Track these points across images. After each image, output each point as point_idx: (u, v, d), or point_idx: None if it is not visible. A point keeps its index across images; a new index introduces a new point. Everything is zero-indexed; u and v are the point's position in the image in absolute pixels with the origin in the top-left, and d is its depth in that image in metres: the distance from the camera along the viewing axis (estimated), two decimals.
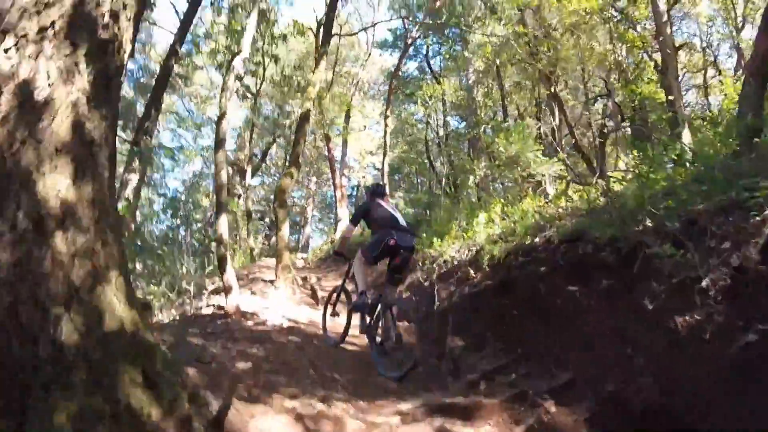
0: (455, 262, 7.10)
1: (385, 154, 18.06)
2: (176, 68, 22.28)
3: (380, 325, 5.09)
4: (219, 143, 7.98)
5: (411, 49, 24.25)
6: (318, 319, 7.32)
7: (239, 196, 18.87)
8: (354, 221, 5.81)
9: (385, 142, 18.17)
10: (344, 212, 19.70)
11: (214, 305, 8.07)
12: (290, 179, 10.80)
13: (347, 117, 21.17)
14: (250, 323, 7.27)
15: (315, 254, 18.67)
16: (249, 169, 18.93)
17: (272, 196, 31.80)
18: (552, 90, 14.14)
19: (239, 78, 14.30)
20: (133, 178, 11.45)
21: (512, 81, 20.29)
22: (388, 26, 36.02)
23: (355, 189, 37.91)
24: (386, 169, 17.95)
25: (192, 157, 22.29)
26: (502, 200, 8.80)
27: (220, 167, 7.86)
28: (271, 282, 10.50)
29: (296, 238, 32.29)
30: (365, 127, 36.62)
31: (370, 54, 23.16)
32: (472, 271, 6.24)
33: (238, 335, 6.19)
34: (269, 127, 22.68)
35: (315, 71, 11.98)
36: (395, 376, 4.57)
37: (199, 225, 24.75)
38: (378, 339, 5.12)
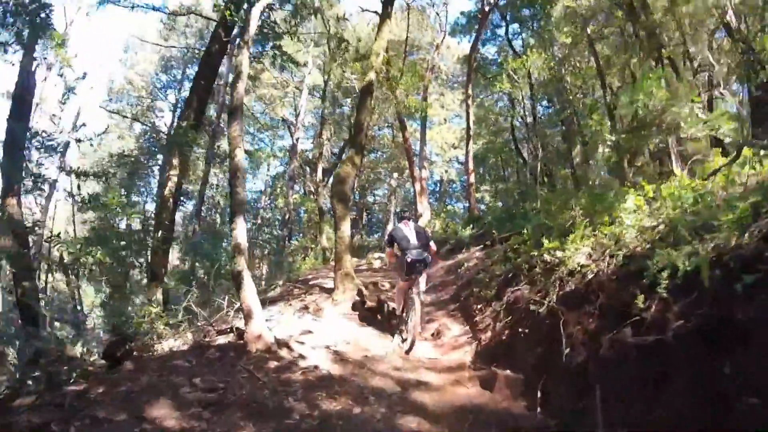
0: (589, 275, 4.14)
1: (468, 141, 15.13)
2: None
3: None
4: (233, 111, 5.61)
5: (488, 31, 21.32)
6: (383, 345, 6.02)
7: (312, 193, 16.79)
8: (389, 244, 6.34)
9: (468, 127, 15.25)
10: (425, 208, 16.94)
11: (234, 330, 5.71)
12: (350, 166, 8.31)
13: (424, 100, 18.36)
14: (274, 363, 4.81)
15: None
16: (320, 166, 16.78)
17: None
18: (661, 54, 10.63)
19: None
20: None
21: (603, 55, 16.60)
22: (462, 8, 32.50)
23: (439, 184, 35.03)
24: (470, 159, 14.98)
25: (265, 159, 20.70)
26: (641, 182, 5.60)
27: (234, 143, 5.48)
28: (330, 293, 8.06)
29: (379, 236, 30.03)
30: (445, 120, 33.69)
31: (444, 36, 20.18)
32: (639, 299, 3.29)
33: (236, 393, 3.74)
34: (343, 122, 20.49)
35: (377, 39, 9.38)
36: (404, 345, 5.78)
37: (272, 228, 23.38)
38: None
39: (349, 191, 8.60)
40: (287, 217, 19.05)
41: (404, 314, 6.10)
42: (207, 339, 6.20)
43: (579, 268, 4.39)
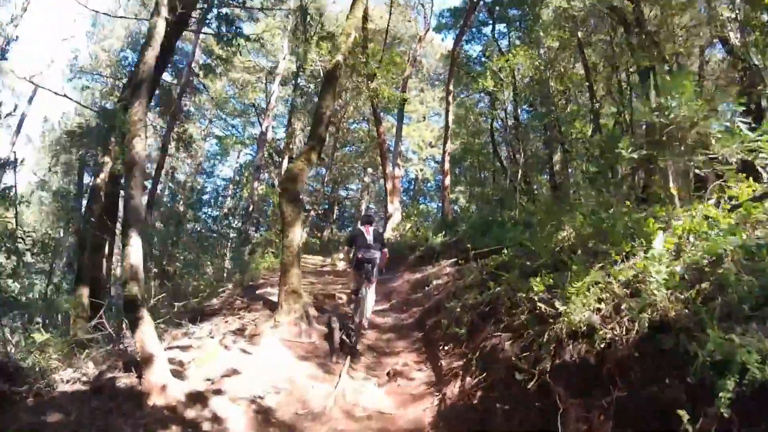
0: (599, 342, 2.95)
1: (446, 141, 13.89)
2: (218, 50, 19.25)
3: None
4: (137, 86, 4.20)
5: (474, 29, 20.15)
6: (325, 391, 4.80)
7: (273, 185, 15.29)
8: (347, 244, 7.00)
9: (446, 126, 14.01)
10: (396, 208, 15.66)
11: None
12: (305, 162, 6.94)
13: (403, 92, 17.03)
14: (174, 429, 3.49)
15: None
16: (287, 156, 15.27)
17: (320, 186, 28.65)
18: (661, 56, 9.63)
19: None
20: None
21: (590, 62, 15.72)
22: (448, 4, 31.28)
23: (413, 183, 33.82)
24: (447, 160, 13.74)
25: (232, 145, 19.09)
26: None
27: (133, 130, 4.07)
28: (275, 308, 6.72)
29: (350, 230, 28.70)
30: (425, 117, 32.46)
31: (428, 29, 18.92)
32: (683, 415, 2.10)
33: None
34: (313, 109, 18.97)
35: (349, 17, 8.03)
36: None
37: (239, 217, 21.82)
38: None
39: (301, 190, 7.23)
40: (250, 209, 17.52)
41: (356, 314, 6.18)
42: (109, 374, 4.81)
43: (581, 327, 3.19)
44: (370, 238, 6.35)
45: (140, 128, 4.12)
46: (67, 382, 4.70)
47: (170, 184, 20.39)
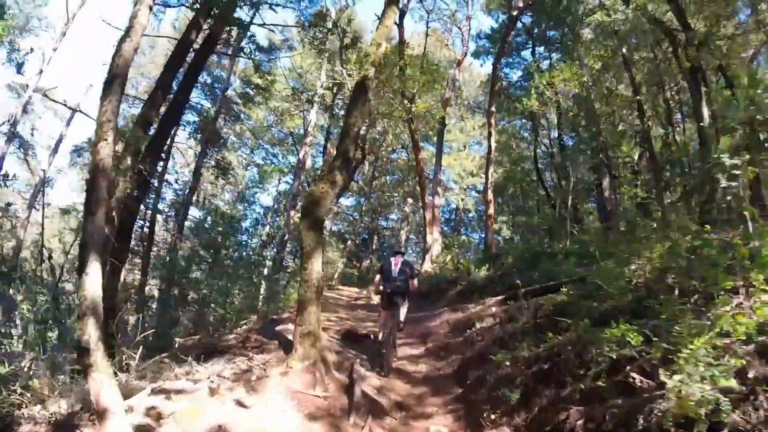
0: None
1: (488, 167, 12.74)
2: (255, 79, 19.16)
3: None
4: (108, 82, 3.46)
5: (512, 53, 19.19)
6: None
7: None
8: (378, 273, 6.57)
9: (489, 150, 12.90)
10: (435, 239, 14.51)
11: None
12: (328, 185, 6.05)
13: (442, 123, 16.14)
14: None
15: None
16: None
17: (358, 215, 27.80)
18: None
19: None
20: None
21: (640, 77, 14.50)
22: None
23: (454, 213, 32.55)
24: (490, 188, 12.57)
25: (269, 174, 18.70)
26: None
27: (100, 132, 3.29)
28: (287, 353, 5.73)
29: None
30: (465, 146, 31.44)
31: (466, 53, 18.15)
32: None
33: None
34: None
35: (379, 26, 7.26)
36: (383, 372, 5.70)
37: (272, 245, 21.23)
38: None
39: (325, 215, 6.33)
40: (285, 237, 16.87)
41: (382, 345, 6.02)
42: (76, 420, 3.96)
43: (703, 413, 2.03)
44: (396, 269, 6.24)
45: (108, 131, 3.35)
46: (29, 421, 3.93)
47: (202, 210, 20.15)
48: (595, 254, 5.28)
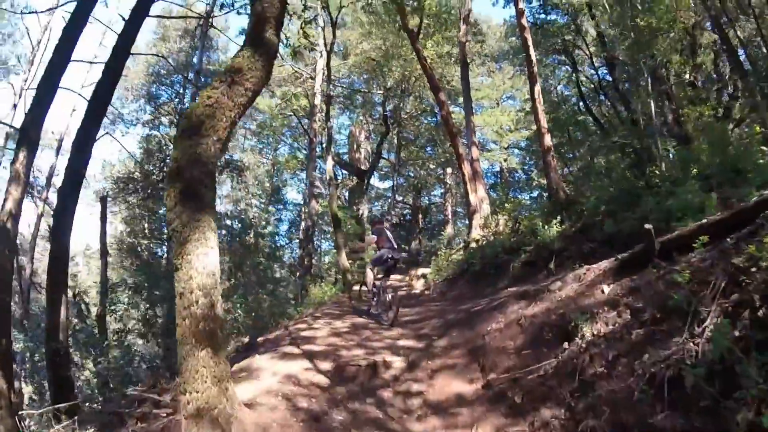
0: None
1: (533, 82, 8.63)
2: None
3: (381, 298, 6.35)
4: None
5: None
6: None
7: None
8: (376, 234, 6.54)
9: (528, 59, 8.72)
10: (481, 198, 10.73)
11: None
12: (223, 91, 2.73)
13: (464, 63, 12.30)
14: None
15: (441, 268, 10.10)
16: (329, 158, 11.11)
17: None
18: None
19: None
20: None
21: None
22: None
23: (498, 176, 28.30)
24: (541, 111, 8.54)
25: (285, 164, 15.66)
26: None
27: None
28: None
29: (439, 240, 23.88)
30: (498, 102, 27.13)
31: None
32: None
33: None
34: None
35: None
36: (387, 322, 5.77)
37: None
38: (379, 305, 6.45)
39: (215, 158, 2.95)
40: (309, 231, 13.83)
41: (381, 295, 6.24)
42: None
43: None
44: (392, 236, 6.35)
45: None
46: None
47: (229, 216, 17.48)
48: None
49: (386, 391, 3.53)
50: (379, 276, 6.45)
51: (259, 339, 5.77)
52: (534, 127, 22.46)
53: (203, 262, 2.55)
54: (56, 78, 6.43)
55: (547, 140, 8.48)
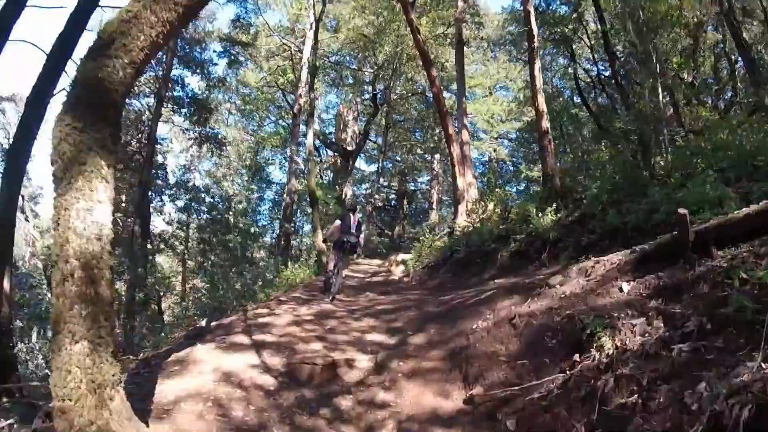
0: None
1: (533, 57, 7.88)
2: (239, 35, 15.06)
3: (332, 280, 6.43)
4: None
5: None
6: None
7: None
8: (340, 222, 6.61)
9: (529, 33, 7.93)
10: (469, 183, 10.04)
11: None
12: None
13: (459, 41, 11.48)
14: None
15: (423, 255, 9.40)
16: (310, 132, 10.25)
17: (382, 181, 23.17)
18: None
19: None
20: None
21: None
22: None
23: (486, 165, 27.62)
24: (540, 92, 7.79)
25: (267, 141, 14.75)
26: None
27: None
28: None
29: (423, 225, 23.21)
30: (491, 91, 26.35)
31: None
32: None
33: None
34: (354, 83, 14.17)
35: None
36: (328, 298, 6.10)
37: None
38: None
39: (127, 81, 2.25)
40: (287, 210, 12.97)
41: (331, 276, 6.38)
42: None
43: None
44: (354, 225, 6.47)
45: None
46: None
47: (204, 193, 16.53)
48: None
49: (345, 399, 2.81)
50: (332, 259, 6.54)
51: (213, 324, 4.99)
52: (525, 118, 21.77)
53: (85, 220, 1.76)
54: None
55: (545, 123, 7.76)
